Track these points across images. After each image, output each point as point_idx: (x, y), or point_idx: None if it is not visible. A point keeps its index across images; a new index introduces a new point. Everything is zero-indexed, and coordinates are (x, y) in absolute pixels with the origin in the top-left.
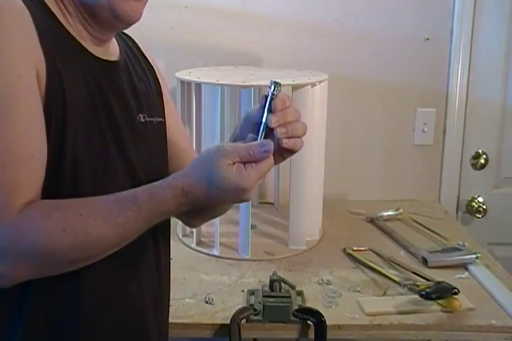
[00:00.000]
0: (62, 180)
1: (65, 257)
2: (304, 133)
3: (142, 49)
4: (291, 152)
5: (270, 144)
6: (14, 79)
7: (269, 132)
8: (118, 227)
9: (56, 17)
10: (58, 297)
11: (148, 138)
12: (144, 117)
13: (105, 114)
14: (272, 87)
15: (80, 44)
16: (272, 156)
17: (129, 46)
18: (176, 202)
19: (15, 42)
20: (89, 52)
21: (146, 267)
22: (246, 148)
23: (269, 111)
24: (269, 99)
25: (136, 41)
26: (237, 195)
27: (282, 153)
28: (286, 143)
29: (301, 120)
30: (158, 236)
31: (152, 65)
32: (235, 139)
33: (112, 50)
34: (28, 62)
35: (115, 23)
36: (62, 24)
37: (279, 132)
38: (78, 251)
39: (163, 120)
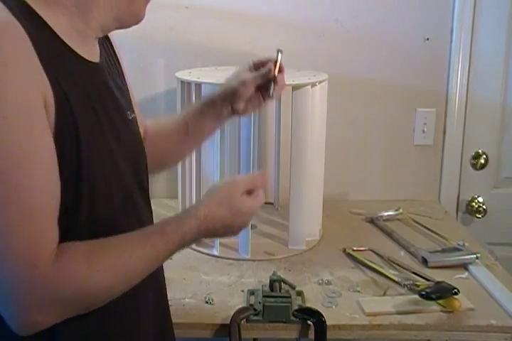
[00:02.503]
0: (80, 191)
1: (104, 298)
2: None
3: (111, 39)
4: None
5: (266, 174)
6: (26, 119)
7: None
8: (151, 262)
9: (46, 23)
10: None
11: (135, 134)
12: (131, 114)
13: (106, 121)
14: (279, 54)
15: (70, 48)
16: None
17: (102, 39)
18: (197, 231)
19: (21, 71)
20: (81, 56)
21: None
22: (253, 181)
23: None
24: (279, 62)
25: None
26: (245, 220)
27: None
28: (277, 93)
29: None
30: None
31: (116, 53)
32: (225, 93)
33: (96, 49)
34: (35, 89)
35: (119, 27)
36: (52, 30)
37: (279, 85)
38: (116, 291)
39: (135, 114)
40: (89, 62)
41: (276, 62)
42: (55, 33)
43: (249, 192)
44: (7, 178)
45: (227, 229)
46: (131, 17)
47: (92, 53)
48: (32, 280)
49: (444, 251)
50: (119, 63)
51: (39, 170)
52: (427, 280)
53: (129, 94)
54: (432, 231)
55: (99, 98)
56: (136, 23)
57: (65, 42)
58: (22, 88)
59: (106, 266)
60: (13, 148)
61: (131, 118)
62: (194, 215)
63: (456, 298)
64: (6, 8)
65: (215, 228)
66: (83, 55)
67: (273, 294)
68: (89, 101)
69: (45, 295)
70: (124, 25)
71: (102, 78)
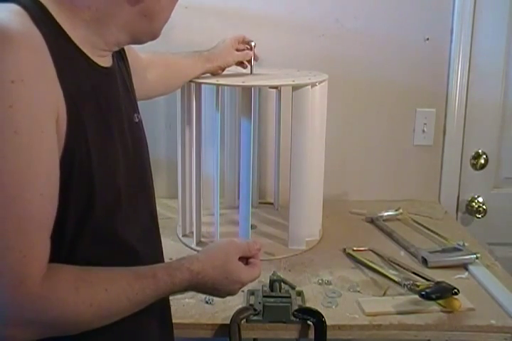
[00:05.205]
0: (92, 200)
1: (83, 328)
2: None
3: None
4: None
5: (259, 243)
6: (37, 135)
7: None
8: (136, 303)
9: (65, 32)
10: None
11: (140, 137)
12: (137, 117)
13: (116, 128)
14: (254, 44)
15: (85, 55)
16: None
17: None
18: (188, 284)
19: (37, 88)
20: (95, 63)
21: None
22: (248, 246)
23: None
24: (254, 50)
25: None
26: (235, 288)
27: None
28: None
29: None
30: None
31: (126, 53)
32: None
33: (109, 55)
34: (49, 105)
35: (134, 43)
36: (70, 38)
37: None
38: (97, 323)
39: (140, 115)
40: (102, 67)
41: (252, 49)
42: (72, 41)
43: (246, 259)
44: (9, 192)
45: (215, 291)
46: (147, 36)
47: (105, 59)
48: (16, 297)
49: (444, 251)
50: (127, 63)
51: (40, 188)
52: (427, 280)
53: (135, 95)
54: (432, 231)
55: (110, 105)
56: (152, 40)
57: (80, 50)
58: (37, 104)
59: (92, 299)
60: (20, 164)
61: (137, 120)
62: (187, 269)
63: (456, 298)
64: (30, 18)
65: (204, 286)
66: (97, 61)
67: (273, 294)
68: (99, 110)
69: (27, 313)
70: (139, 42)
71: (113, 83)
